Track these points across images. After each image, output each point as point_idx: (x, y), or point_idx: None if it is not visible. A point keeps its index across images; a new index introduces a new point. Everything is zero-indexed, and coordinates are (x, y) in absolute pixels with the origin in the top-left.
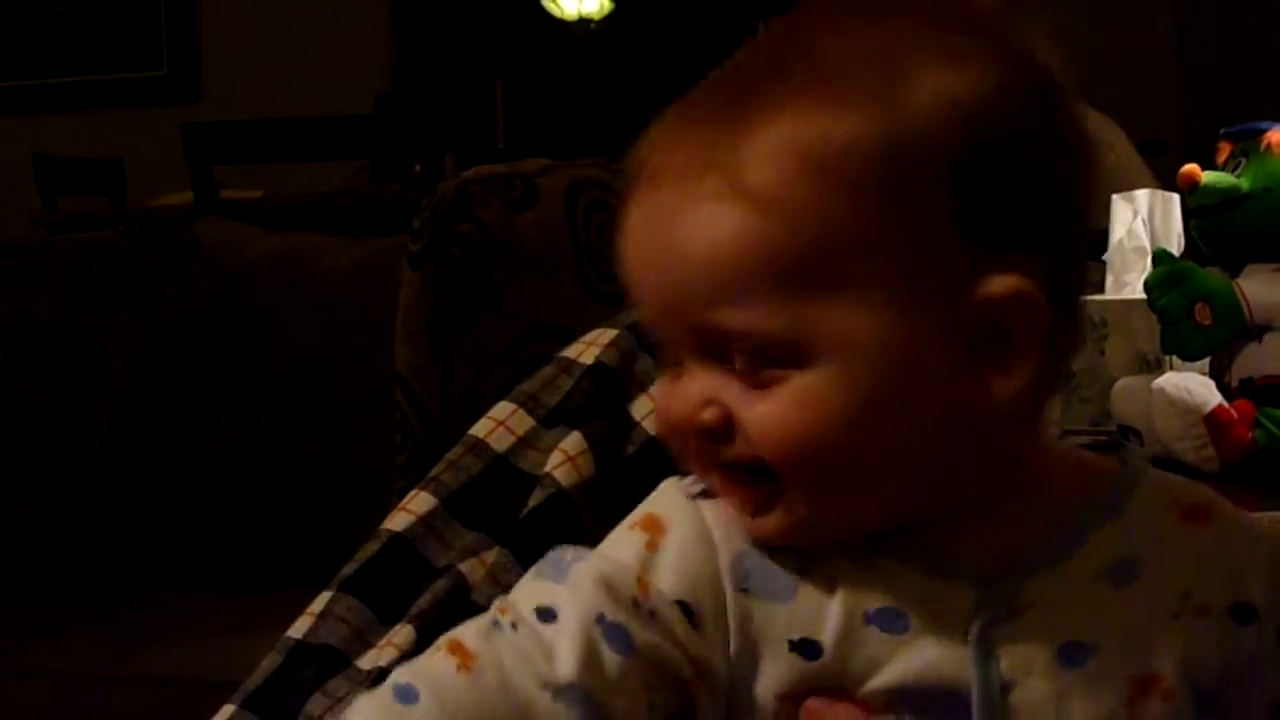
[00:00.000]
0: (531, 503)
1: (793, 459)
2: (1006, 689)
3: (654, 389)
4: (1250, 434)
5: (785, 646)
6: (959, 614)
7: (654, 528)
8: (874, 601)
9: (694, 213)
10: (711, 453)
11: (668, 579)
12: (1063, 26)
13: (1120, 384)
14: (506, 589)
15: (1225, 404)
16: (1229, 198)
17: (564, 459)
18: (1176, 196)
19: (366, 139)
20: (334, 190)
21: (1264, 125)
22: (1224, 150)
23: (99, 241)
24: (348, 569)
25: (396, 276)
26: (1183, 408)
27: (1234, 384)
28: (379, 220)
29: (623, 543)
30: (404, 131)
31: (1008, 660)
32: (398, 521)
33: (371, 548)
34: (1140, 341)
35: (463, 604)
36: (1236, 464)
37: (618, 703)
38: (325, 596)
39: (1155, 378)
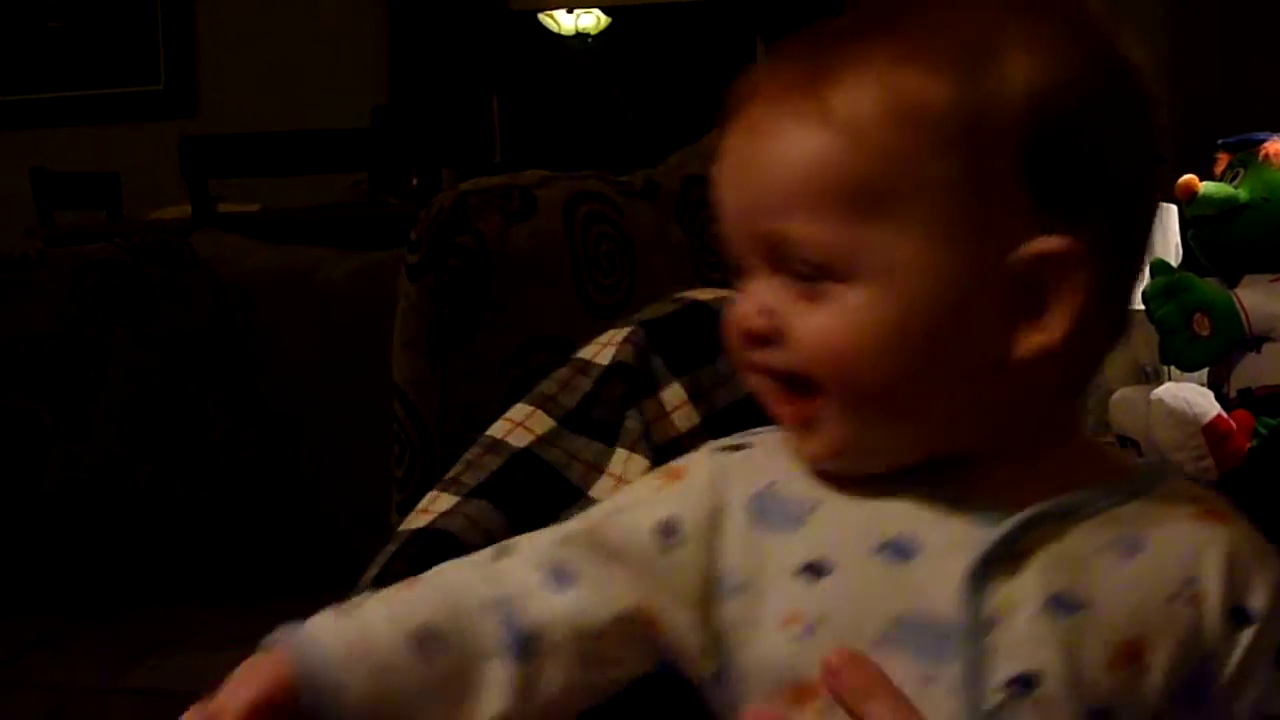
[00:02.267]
0: None
1: (831, 371)
2: (990, 625)
3: (676, 385)
4: (1249, 444)
5: (794, 571)
6: (962, 550)
7: (671, 474)
8: (886, 531)
9: (779, 129)
10: (760, 359)
11: (662, 508)
12: None
13: (1119, 394)
14: None
15: (1224, 414)
16: (1227, 208)
17: (614, 483)
18: (1174, 207)
19: (363, 152)
20: (331, 203)
21: (1261, 136)
22: (1222, 161)
23: (96, 255)
24: (370, 573)
25: (394, 288)
26: (1181, 418)
27: (1232, 394)
28: (376, 233)
29: (638, 484)
30: (401, 145)
31: (997, 598)
32: (416, 521)
33: (390, 549)
34: (1139, 352)
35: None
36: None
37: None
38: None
39: (1154, 388)
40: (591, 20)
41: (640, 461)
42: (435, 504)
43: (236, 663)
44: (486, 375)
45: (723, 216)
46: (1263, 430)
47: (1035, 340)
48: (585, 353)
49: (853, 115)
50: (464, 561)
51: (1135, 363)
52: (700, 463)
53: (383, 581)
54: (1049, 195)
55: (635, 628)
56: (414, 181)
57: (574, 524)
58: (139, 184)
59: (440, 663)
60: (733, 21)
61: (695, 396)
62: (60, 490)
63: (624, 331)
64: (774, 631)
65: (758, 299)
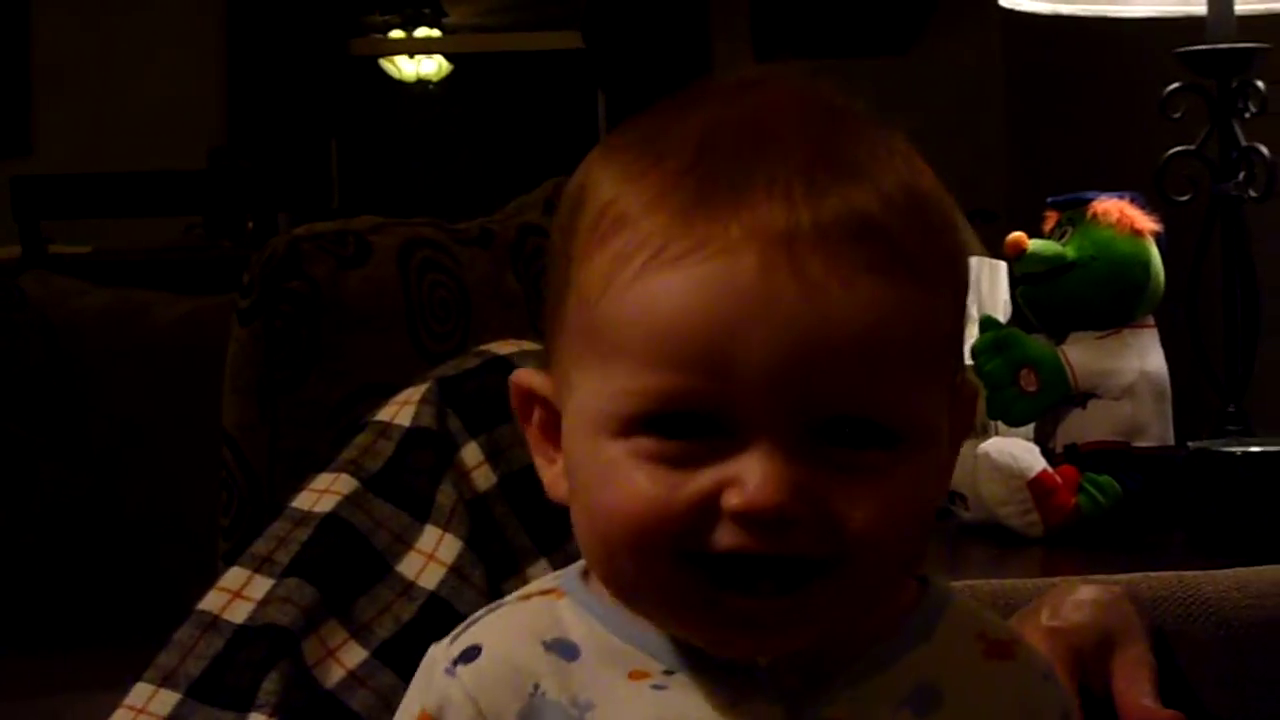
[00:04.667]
0: (405, 616)
1: (885, 549)
2: None
3: (474, 445)
4: (1074, 499)
5: None
6: None
7: None
8: None
9: (852, 283)
10: (778, 543)
11: None
12: (897, 98)
13: None
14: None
15: (1049, 469)
16: (1055, 265)
17: (424, 560)
18: (1003, 264)
19: (198, 195)
20: (164, 246)
21: (1090, 195)
22: (1050, 219)
23: None
24: (193, 666)
25: (226, 332)
26: (1007, 473)
27: (1058, 450)
28: (210, 277)
29: None
30: (236, 188)
31: None
32: (237, 611)
33: (216, 642)
34: None
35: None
36: (1060, 529)
37: None
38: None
39: (980, 443)
40: (433, 67)
41: (454, 543)
42: (250, 588)
43: (57, 710)
44: (317, 422)
45: (728, 371)
46: (1087, 486)
47: (944, 487)
48: (384, 414)
49: (928, 260)
50: None
51: None
52: (451, 703)
53: (219, 679)
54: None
55: None
56: (249, 225)
57: None
58: None
59: None
60: (573, 73)
61: (492, 456)
62: None
63: (420, 389)
64: None
65: (786, 477)
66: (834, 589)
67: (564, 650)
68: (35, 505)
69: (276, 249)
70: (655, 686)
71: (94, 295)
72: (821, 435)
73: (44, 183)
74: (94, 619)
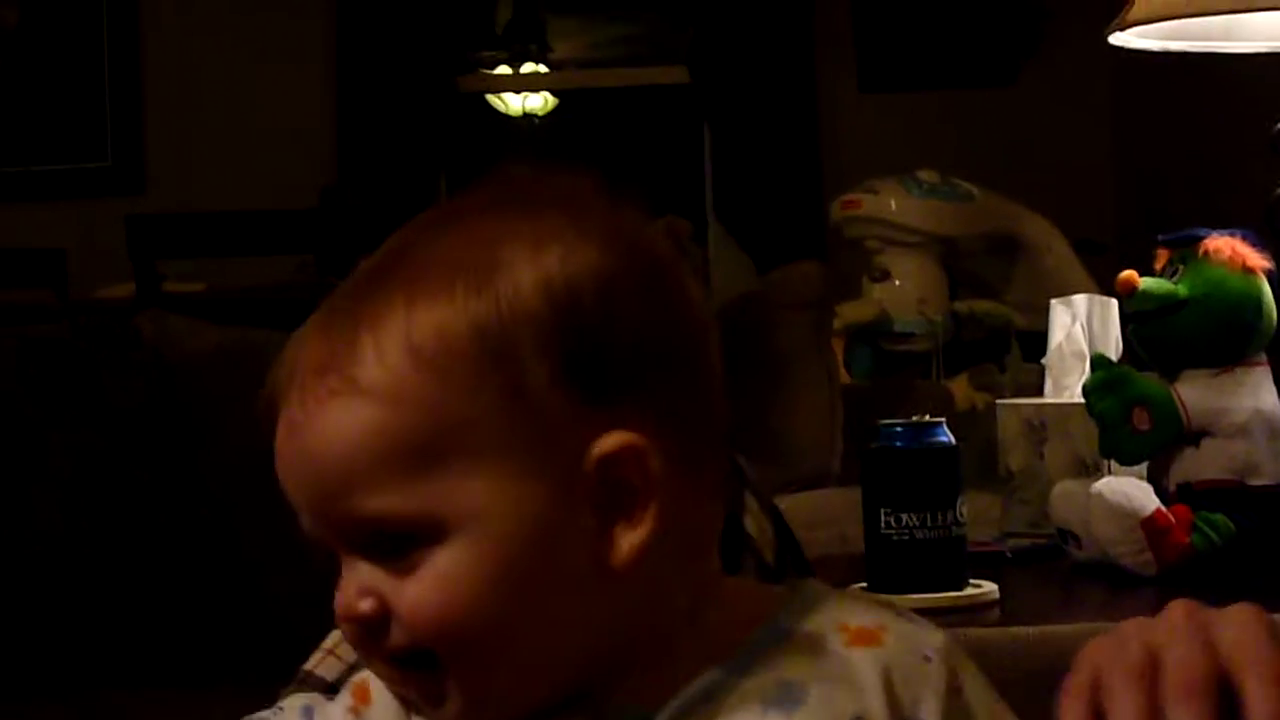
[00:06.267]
0: None
1: (444, 639)
2: None
3: None
4: (1188, 538)
5: None
6: None
7: (361, 696)
8: None
9: (318, 412)
10: (375, 644)
11: None
12: (1003, 129)
13: (1059, 487)
14: None
15: (1163, 509)
16: (1166, 303)
17: None
18: (1115, 301)
19: (310, 233)
20: (277, 284)
21: (1201, 232)
22: (1161, 256)
23: (41, 335)
24: None
25: None
26: (1121, 512)
27: (1172, 488)
28: None
29: (338, 699)
30: (348, 225)
31: None
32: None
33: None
34: (1079, 445)
35: None
36: (1174, 568)
37: None
38: None
39: (1094, 481)
40: (539, 102)
41: None
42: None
43: None
44: None
45: (297, 509)
46: (1201, 525)
47: (632, 539)
48: None
49: (379, 377)
50: None
51: (1075, 456)
52: (384, 694)
53: None
54: (595, 393)
55: None
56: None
57: None
58: (86, 262)
59: None
60: (679, 108)
61: None
62: (1, 572)
63: None
64: None
65: (355, 581)
66: (452, 672)
67: None
68: (155, 544)
69: None
70: None
71: (208, 334)
72: (371, 545)
73: (158, 221)
74: (211, 657)
